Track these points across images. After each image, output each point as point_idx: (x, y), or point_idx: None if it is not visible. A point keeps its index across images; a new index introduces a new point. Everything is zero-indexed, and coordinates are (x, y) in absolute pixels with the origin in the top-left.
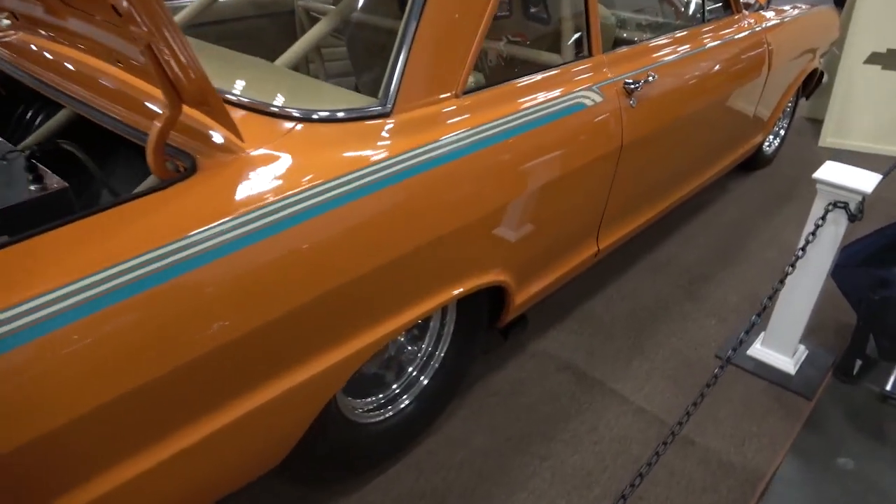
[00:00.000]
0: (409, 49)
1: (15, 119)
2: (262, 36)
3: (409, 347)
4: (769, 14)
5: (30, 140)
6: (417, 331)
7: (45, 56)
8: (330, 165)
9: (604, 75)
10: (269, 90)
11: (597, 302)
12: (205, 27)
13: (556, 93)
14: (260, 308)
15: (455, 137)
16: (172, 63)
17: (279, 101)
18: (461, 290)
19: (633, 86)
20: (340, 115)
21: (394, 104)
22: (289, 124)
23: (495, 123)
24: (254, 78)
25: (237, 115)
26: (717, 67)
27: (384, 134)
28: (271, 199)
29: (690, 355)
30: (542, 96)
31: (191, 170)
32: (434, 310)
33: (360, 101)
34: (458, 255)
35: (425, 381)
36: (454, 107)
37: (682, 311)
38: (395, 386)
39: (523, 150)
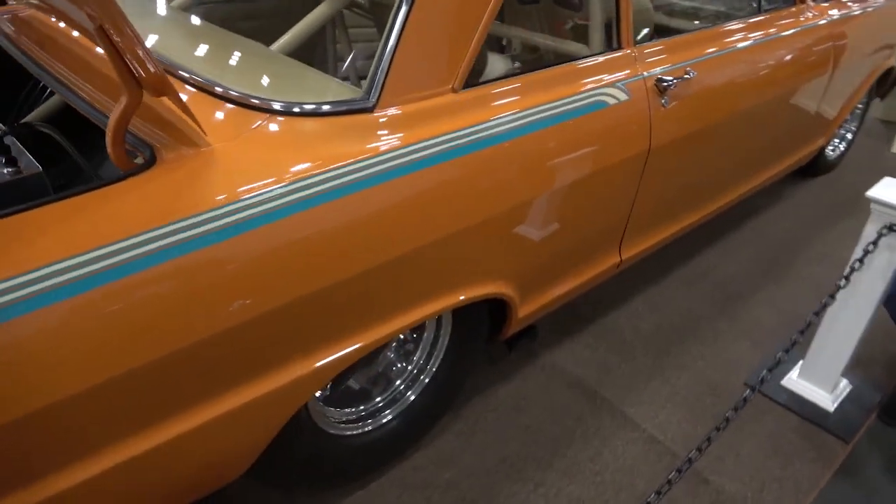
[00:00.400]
0: (400, 36)
1: (22, 97)
2: (288, 16)
3: (399, 365)
4: (839, 4)
5: (27, 120)
6: (412, 345)
7: (43, 35)
8: (297, 164)
9: (633, 70)
10: (250, 78)
11: (620, 313)
12: (222, 4)
13: (574, 89)
14: (206, 318)
15: (448, 137)
16: (126, 49)
17: (253, 90)
18: (448, 304)
19: (666, 83)
20: (317, 108)
21: (378, 97)
22: (260, 117)
23: (496, 122)
24: (238, 64)
25: (210, 104)
26: (770, 64)
27: (366, 131)
28: (225, 200)
29: (717, 381)
30: (556, 93)
31: (148, 163)
32: (411, 326)
33: (343, 92)
34: (442, 267)
35: (412, 397)
36: (450, 102)
37: (713, 331)
38: (378, 399)
39: (527, 152)
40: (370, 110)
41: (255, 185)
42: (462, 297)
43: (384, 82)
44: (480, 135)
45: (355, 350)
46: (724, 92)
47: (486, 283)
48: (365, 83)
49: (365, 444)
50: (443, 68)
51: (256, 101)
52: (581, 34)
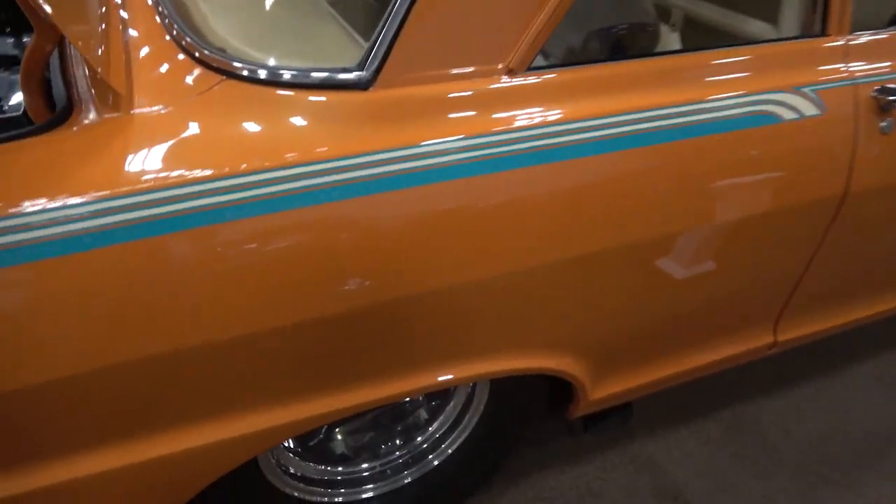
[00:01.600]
0: None
1: None
2: None
3: (399, 452)
4: None
5: None
6: (424, 412)
7: None
8: (223, 155)
9: (837, 71)
10: (238, 28)
11: (766, 406)
12: None
13: (725, 89)
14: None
15: (483, 140)
16: None
17: (222, 43)
18: (467, 375)
19: (894, 96)
20: (286, 75)
21: (378, 71)
22: (213, 79)
23: (576, 126)
24: (247, 12)
25: (177, 56)
26: None
27: (350, 117)
28: (89, 198)
29: None
30: (692, 93)
31: (51, 123)
32: (401, 397)
33: (336, 58)
34: (453, 327)
35: (408, 480)
36: (500, 90)
37: None
38: (364, 465)
39: (622, 177)
40: (363, 87)
41: (142, 181)
42: (486, 371)
43: (388, 49)
44: (543, 143)
45: (306, 419)
46: None
47: (531, 355)
48: (365, 48)
49: None
50: (492, 37)
51: (217, 59)
52: (770, 10)
